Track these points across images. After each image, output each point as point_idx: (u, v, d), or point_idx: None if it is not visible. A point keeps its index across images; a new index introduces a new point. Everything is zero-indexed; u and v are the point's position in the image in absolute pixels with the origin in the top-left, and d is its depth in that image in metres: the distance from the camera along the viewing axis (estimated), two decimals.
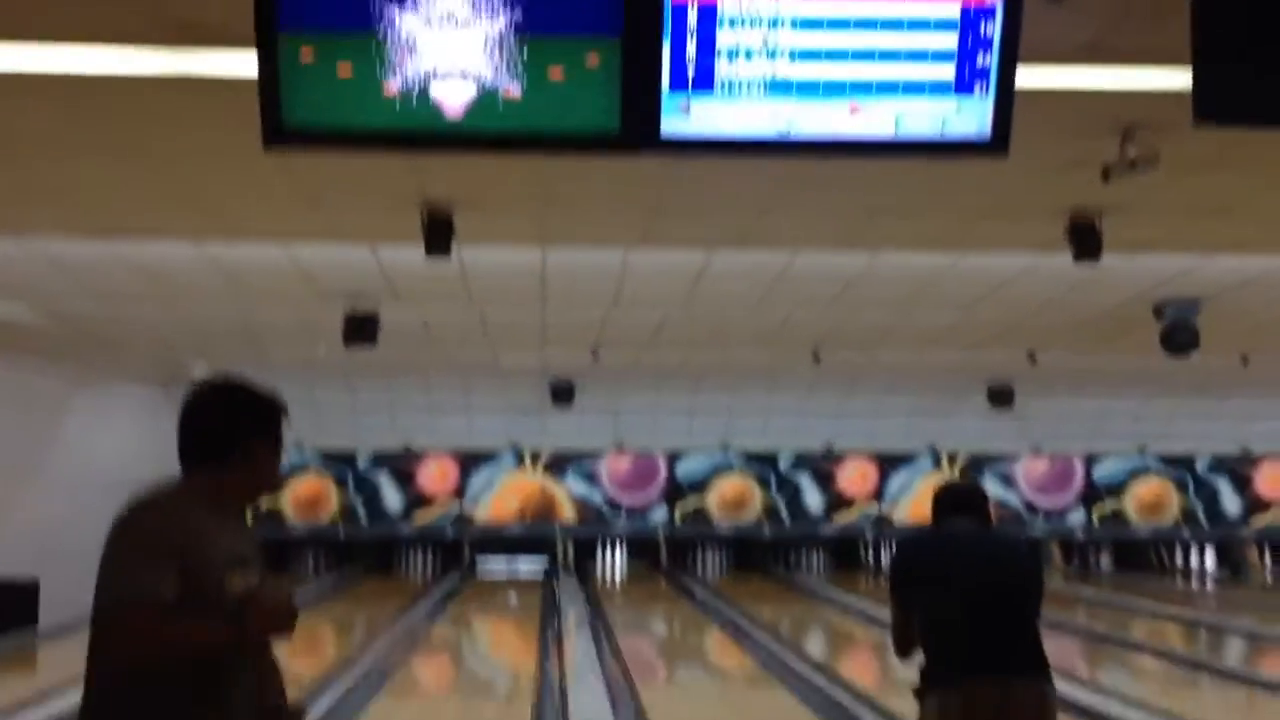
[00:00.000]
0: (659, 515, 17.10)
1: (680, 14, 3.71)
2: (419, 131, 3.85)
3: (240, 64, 3.93)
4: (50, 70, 4.55)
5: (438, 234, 6.65)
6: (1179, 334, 9.56)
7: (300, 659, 10.78)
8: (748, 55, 3.79)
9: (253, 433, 2.54)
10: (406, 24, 3.67)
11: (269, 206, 6.81)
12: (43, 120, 5.26)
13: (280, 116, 3.79)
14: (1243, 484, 17.52)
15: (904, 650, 3.89)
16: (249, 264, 8.54)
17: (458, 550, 16.96)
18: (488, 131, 3.85)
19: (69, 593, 11.94)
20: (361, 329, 9.58)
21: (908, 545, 4.24)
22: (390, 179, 6.13)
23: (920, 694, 3.78)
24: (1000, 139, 3.95)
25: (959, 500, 4.07)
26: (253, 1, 3.58)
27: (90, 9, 4.14)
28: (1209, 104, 3.77)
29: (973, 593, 3.74)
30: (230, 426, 2.53)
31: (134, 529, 2.36)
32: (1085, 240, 6.76)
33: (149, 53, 4.46)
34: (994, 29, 3.77)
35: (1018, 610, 3.79)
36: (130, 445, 14.69)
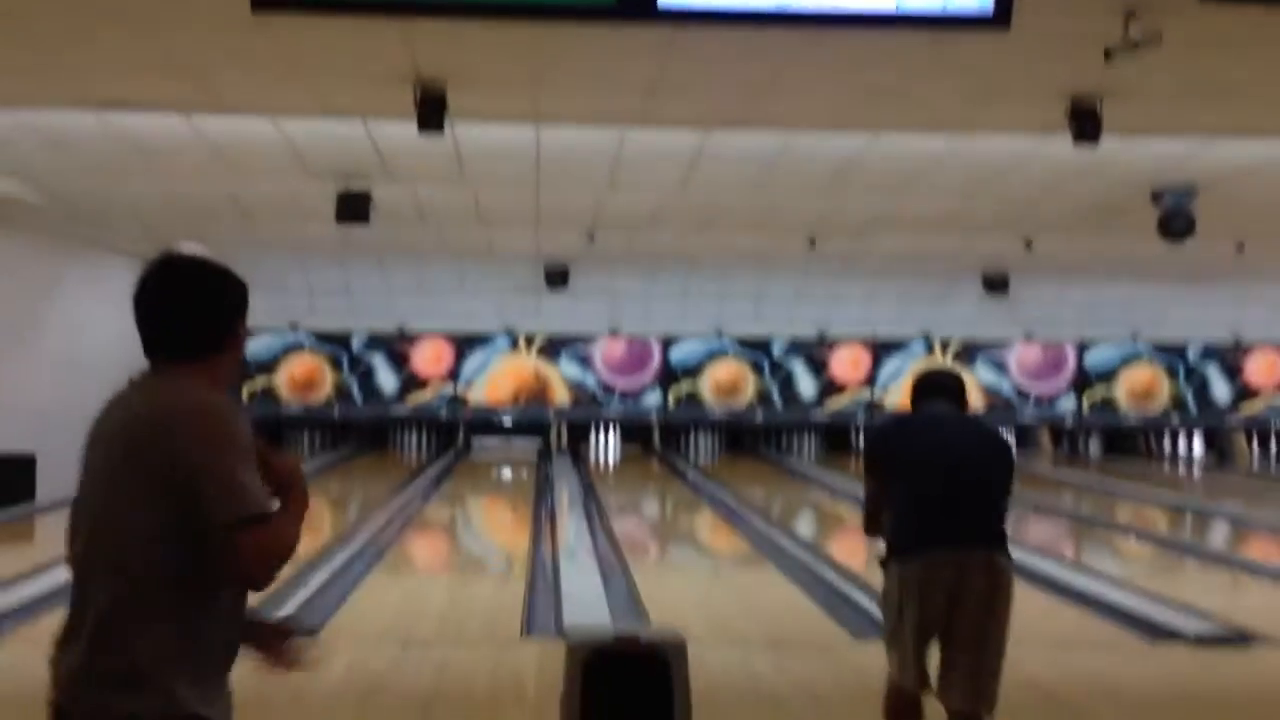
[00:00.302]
0: (652, 399, 17.21)
1: None
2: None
3: None
4: None
5: (431, 110, 6.57)
6: (1176, 220, 9.54)
7: None
8: None
9: (239, 315, 2.37)
10: None
11: (259, 78, 6.71)
12: None
13: None
14: (1233, 372, 17.63)
15: (873, 528, 4.03)
16: (239, 138, 8.44)
17: (452, 431, 17.10)
18: (481, 1, 3.80)
19: (66, 466, 12.11)
20: (354, 207, 9.53)
21: (888, 426, 4.32)
22: (382, 52, 6.03)
23: (884, 564, 3.93)
24: (1002, 13, 3.91)
25: (937, 385, 4.14)
26: None
27: None
28: None
29: (946, 472, 3.86)
30: (223, 312, 2.34)
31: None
32: (1085, 123, 6.70)
33: None
34: None
35: (985, 490, 3.92)
36: (122, 321, 14.72)
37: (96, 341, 13.77)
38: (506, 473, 15.20)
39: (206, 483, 2.12)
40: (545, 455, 16.44)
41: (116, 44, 6.02)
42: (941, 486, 3.84)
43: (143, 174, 9.63)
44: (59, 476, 11.58)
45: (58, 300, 12.79)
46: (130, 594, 2.13)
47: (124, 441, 2.20)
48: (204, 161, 9.09)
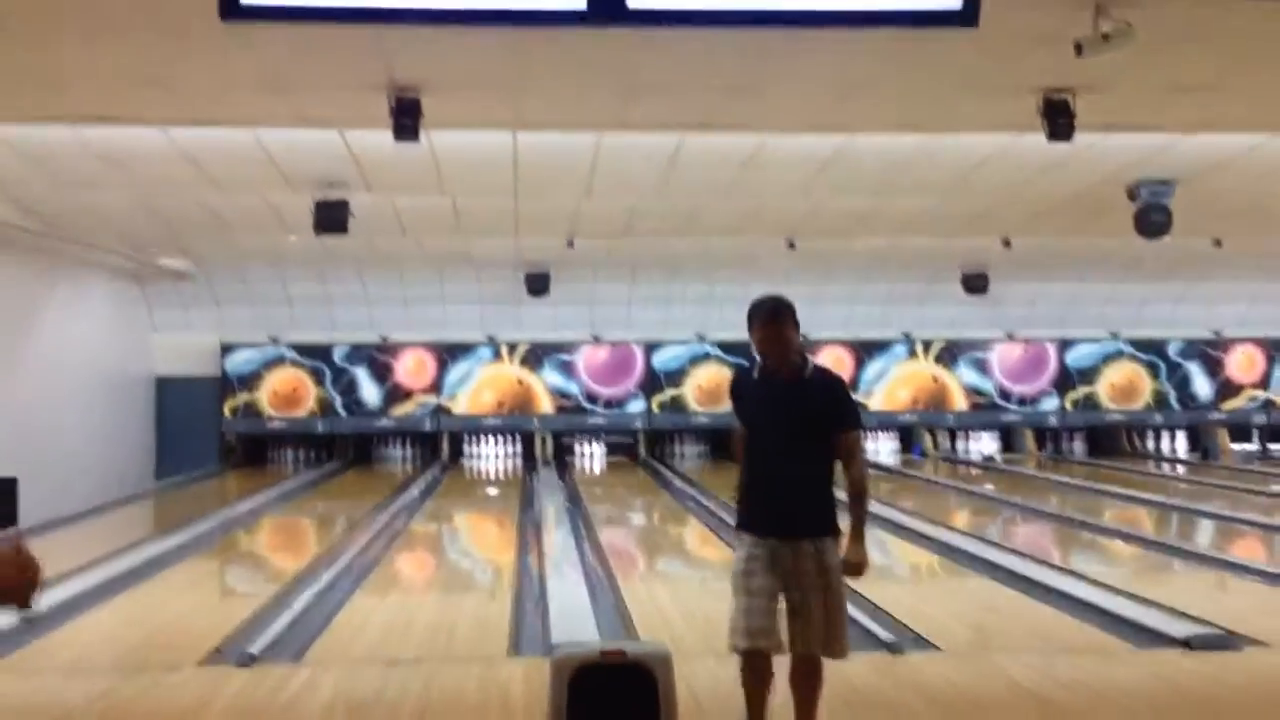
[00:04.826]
0: (636, 406, 17.21)
1: None
2: (380, 6, 3.79)
3: None
4: None
5: (406, 118, 6.57)
6: (1153, 216, 9.59)
7: (281, 554, 10.89)
8: None
9: None
10: None
11: (232, 90, 6.70)
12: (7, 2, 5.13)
13: None
14: (1214, 368, 17.71)
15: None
16: (216, 150, 8.44)
17: (436, 443, 17.06)
18: (453, 6, 3.80)
19: (49, 488, 12.05)
20: (332, 217, 9.52)
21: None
22: (356, 61, 6.03)
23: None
24: (970, 10, 3.92)
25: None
26: None
27: None
28: None
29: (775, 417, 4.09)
30: None
31: None
32: (1058, 119, 6.74)
33: None
34: None
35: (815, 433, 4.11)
36: (104, 337, 14.66)
37: (78, 360, 13.70)
38: (492, 490, 15.17)
39: None
40: (530, 465, 16.39)
41: (87, 56, 6.00)
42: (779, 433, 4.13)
43: (121, 187, 9.60)
44: (41, 499, 11.52)
45: (38, 319, 12.71)
46: None
47: None
48: (182, 173, 9.07)
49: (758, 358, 4.21)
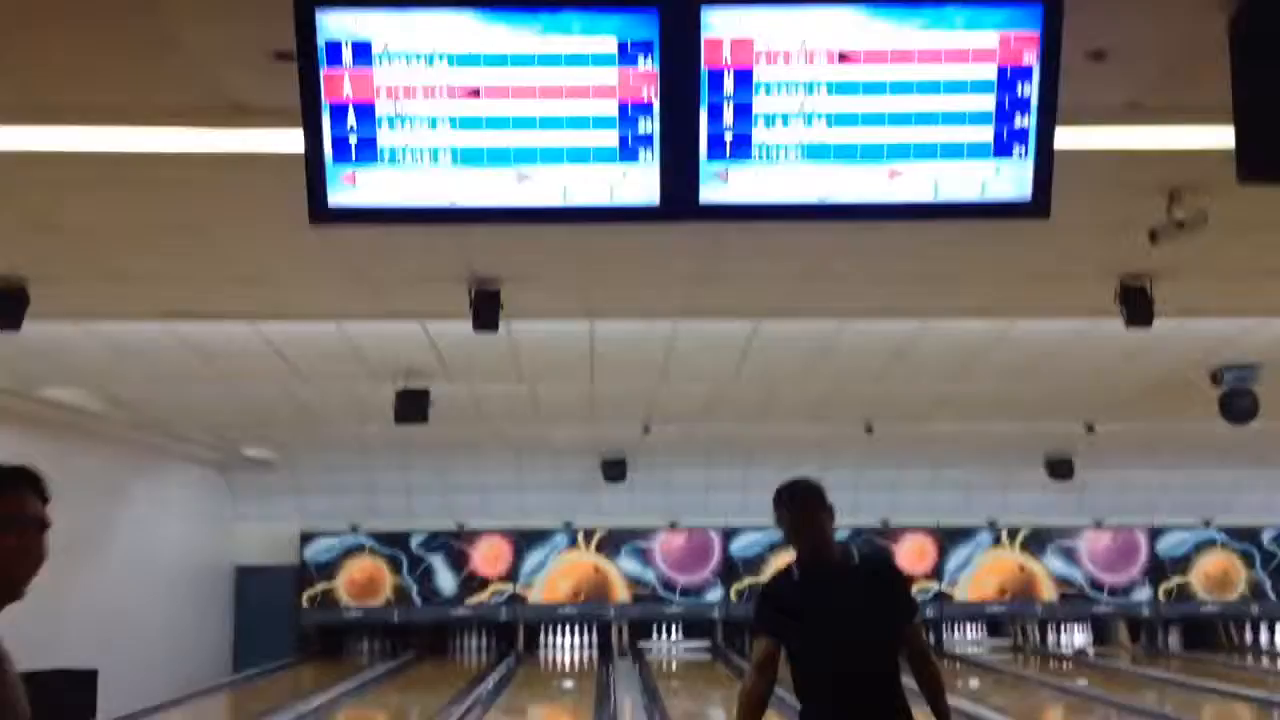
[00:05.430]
0: (714, 594, 16.92)
1: (717, 80, 3.74)
2: (463, 206, 3.91)
3: (291, 140, 4.00)
4: (105, 149, 4.66)
5: (486, 309, 6.70)
6: (1238, 401, 9.38)
7: None
8: (784, 120, 3.81)
9: None
10: None
11: (319, 285, 6.90)
12: (97, 201, 5.38)
13: (325, 193, 3.85)
14: None
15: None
16: (302, 342, 8.65)
17: (511, 632, 16.85)
18: (533, 204, 3.90)
19: (129, 680, 12.01)
20: (413, 406, 9.64)
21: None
22: (437, 255, 6.20)
23: None
24: (1041, 201, 3.92)
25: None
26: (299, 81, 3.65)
27: (146, 91, 4.25)
28: (1253, 163, 3.71)
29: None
30: None
31: None
32: (1136, 305, 6.68)
33: (203, 132, 4.56)
34: (1031, 90, 3.76)
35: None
36: (187, 527, 14.83)
37: (161, 551, 13.82)
38: (568, 682, 14.88)
39: None
40: (606, 656, 16.08)
41: (180, 257, 6.24)
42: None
43: (209, 380, 9.84)
44: (121, 691, 11.49)
45: (123, 509, 12.91)
46: None
47: None
48: (269, 366, 9.30)
49: (793, 558, 3.91)
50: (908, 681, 3.96)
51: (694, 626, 17.07)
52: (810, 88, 3.76)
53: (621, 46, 3.67)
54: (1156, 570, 17.10)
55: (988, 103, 3.81)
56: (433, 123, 3.78)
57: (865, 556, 3.90)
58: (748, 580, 16.81)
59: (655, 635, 17.10)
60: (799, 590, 3.87)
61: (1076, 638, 17.35)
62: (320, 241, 5.71)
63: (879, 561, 3.91)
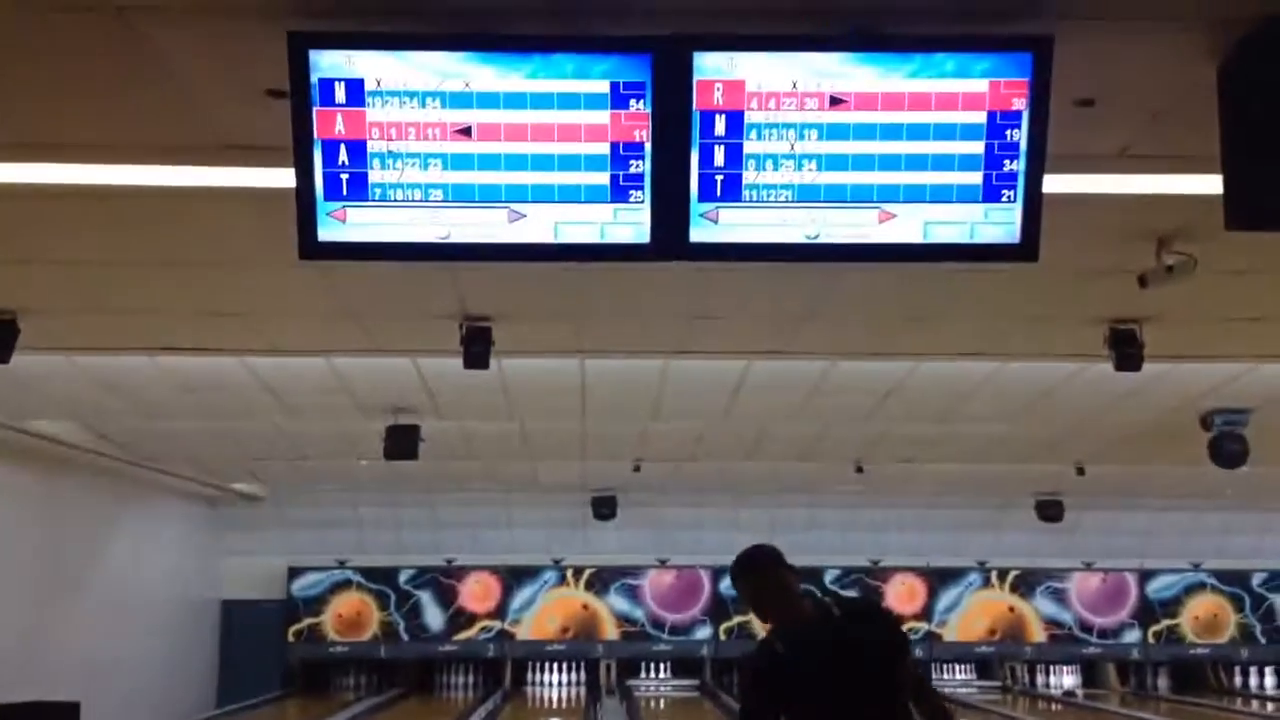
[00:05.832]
0: (704, 632, 16.84)
1: (708, 122, 3.76)
2: (455, 242, 3.91)
3: (282, 177, 4.00)
4: (93, 182, 4.66)
5: (477, 346, 6.70)
6: (1228, 445, 9.38)
7: None
8: (775, 163, 3.82)
9: None
10: None
11: (308, 322, 6.90)
12: (88, 236, 5.38)
13: (315, 229, 3.86)
14: None
15: None
16: (292, 378, 8.63)
17: (499, 669, 16.75)
18: (525, 241, 3.91)
19: (110, 714, 11.91)
20: (403, 442, 9.62)
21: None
22: (429, 291, 6.20)
23: None
24: (1029, 244, 3.94)
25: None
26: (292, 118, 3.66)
27: (137, 127, 4.25)
28: (1241, 210, 3.73)
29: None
30: None
31: None
32: (1126, 349, 6.69)
33: (195, 169, 4.57)
34: (1020, 135, 3.78)
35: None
36: (173, 561, 14.73)
37: (146, 584, 13.73)
38: None
39: None
40: (594, 694, 15.99)
41: (170, 291, 6.23)
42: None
43: (195, 413, 9.81)
44: None
45: (108, 543, 12.83)
46: None
47: None
48: (258, 401, 9.27)
49: (767, 629, 3.83)
50: None
51: (683, 665, 16.99)
52: (801, 130, 3.78)
53: (614, 88, 3.69)
54: (1146, 612, 17.07)
55: (977, 147, 3.83)
56: (424, 161, 3.79)
57: (848, 603, 3.80)
58: (737, 619, 16.73)
59: (644, 673, 17.02)
60: (787, 664, 3.76)
61: (1066, 679, 17.28)
62: (311, 278, 5.72)
63: (863, 605, 3.85)
